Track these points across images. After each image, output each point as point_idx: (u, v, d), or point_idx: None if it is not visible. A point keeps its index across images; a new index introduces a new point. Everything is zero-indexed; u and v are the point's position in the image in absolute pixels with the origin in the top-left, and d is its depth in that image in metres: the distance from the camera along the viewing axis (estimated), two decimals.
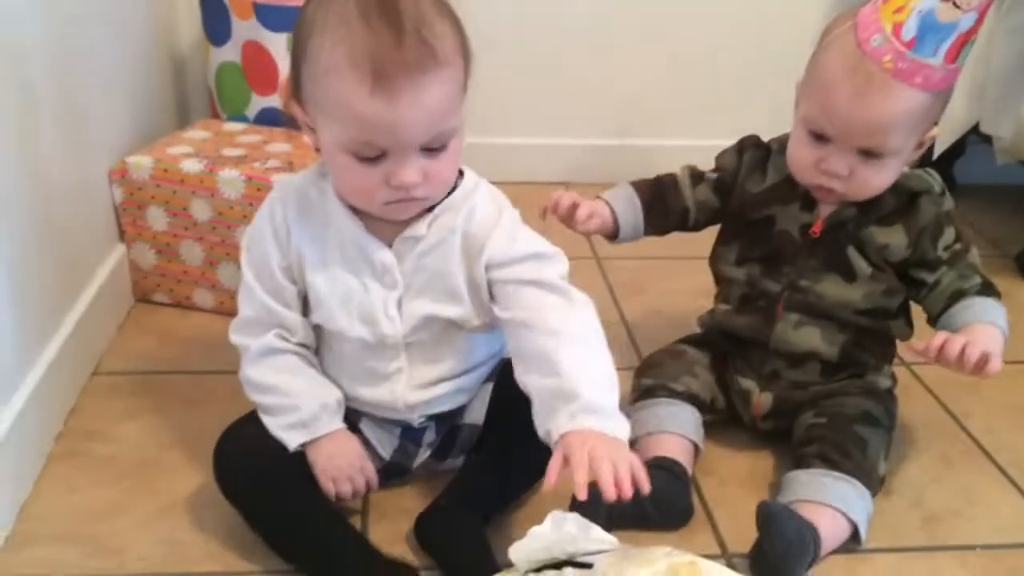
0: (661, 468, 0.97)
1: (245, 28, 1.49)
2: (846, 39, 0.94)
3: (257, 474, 0.89)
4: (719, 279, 1.13)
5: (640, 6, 1.81)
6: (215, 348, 1.25)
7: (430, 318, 0.90)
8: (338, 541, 0.89)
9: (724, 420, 1.11)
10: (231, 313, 0.96)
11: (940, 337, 0.92)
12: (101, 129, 1.27)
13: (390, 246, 0.88)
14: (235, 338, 0.94)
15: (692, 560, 0.75)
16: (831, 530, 0.93)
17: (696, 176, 1.13)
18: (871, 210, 1.02)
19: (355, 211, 0.88)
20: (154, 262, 1.33)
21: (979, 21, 0.91)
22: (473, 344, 0.94)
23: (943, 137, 1.68)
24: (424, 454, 0.99)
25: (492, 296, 0.89)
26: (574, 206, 1.07)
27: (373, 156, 0.80)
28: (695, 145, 1.87)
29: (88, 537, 0.92)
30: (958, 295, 1.00)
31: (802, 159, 1.00)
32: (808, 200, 1.03)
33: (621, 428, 0.78)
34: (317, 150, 0.86)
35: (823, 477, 0.96)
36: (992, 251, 1.69)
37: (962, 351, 0.90)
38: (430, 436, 0.98)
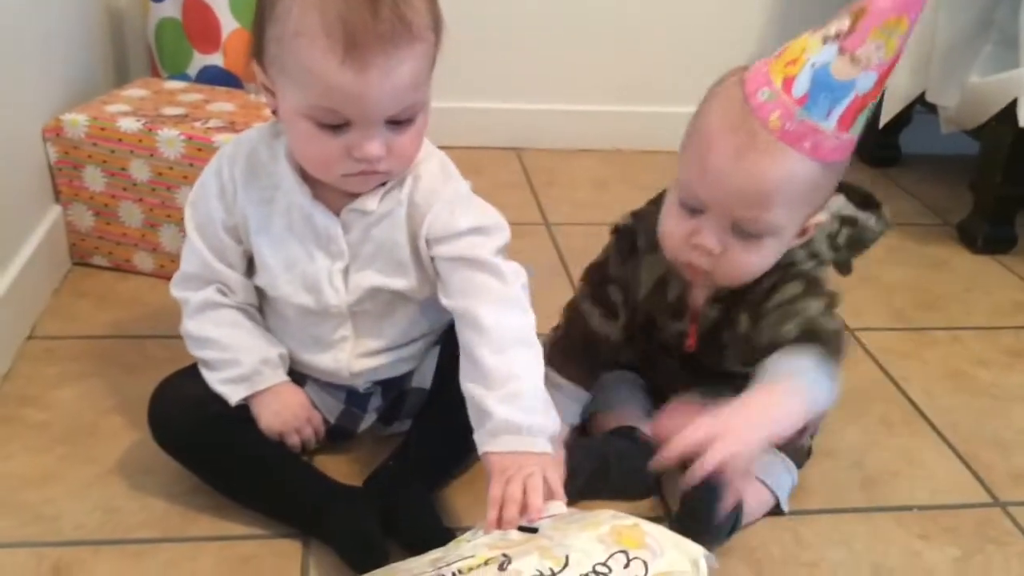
0: (624, 436, 0.97)
1: None
2: (732, 92, 0.82)
3: (197, 423, 0.88)
4: None
5: None
6: (155, 312, 1.22)
7: (376, 289, 0.89)
8: (291, 473, 0.89)
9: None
10: (172, 276, 0.94)
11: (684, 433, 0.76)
12: (34, 85, 1.23)
13: (338, 215, 0.86)
14: (175, 292, 0.92)
15: (635, 523, 0.75)
16: (754, 500, 0.94)
17: (611, 312, 0.98)
18: (734, 304, 0.91)
19: (304, 177, 0.85)
20: (92, 224, 1.29)
21: (878, 85, 0.79)
22: (420, 314, 0.93)
23: (890, 107, 1.71)
24: (370, 419, 0.98)
25: (436, 272, 0.88)
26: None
27: (336, 125, 0.78)
28: (647, 112, 1.89)
29: (22, 505, 0.90)
30: (775, 345, 0.86)
31: (672, 233, 0.87)
32: (678, 309, 0.94)
33: (539, 441, 0.79)
34: (274, 112, 0.83)
35: None
36: (935, 219, 1.72)
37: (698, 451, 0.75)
38: (376, 401, 0.97)
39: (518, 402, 0.80)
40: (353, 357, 0.92)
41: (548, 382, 0.91)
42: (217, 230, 0.89)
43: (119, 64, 1.66)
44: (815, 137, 0.79)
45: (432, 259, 0.87)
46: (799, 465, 0.99)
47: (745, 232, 0.84)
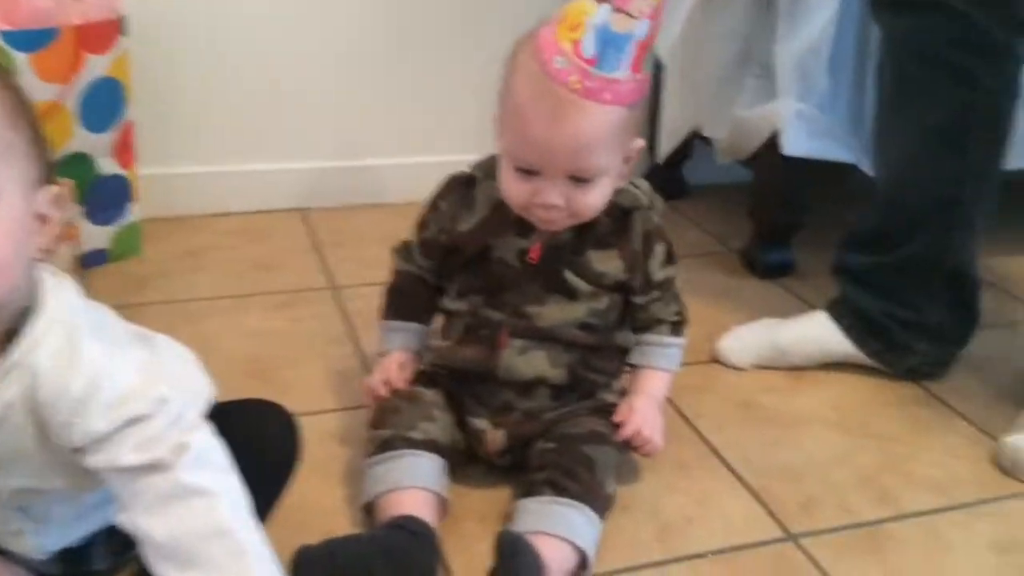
0: (399, 527, 0.90)
1: None
2: (530, 65, 0.91)
3: None
4: (442, 313, 1.10)
5: (359, 23, 1.75)
6: None
7: (29, 491, 0.73)
8: None
9: (464, 459, 1.06)
10: None
11: (631, 427, 1.02)
12: None
13: None
14: None
15: None
16: (558, 560, 0.89)
17: (407, 253, 1.11)
18: (587, 234, 1.01)
19: None
20: None
21: (653, 28, 0.90)
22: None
23: (667, 142, 1.74)
24: (102, 560, 0.84)
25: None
26: (386, 384, 1.05)
27: None
28: (438, 162, 1.85)
29: None
30: (655, 323, 1.07)
31: (516, 195, 0.96)
32: (523, 226, 1.00)
33: None
34: None
35: (551, 504, 0.93)
36: (719, 247, 1.76)
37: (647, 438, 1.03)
38: (100, 553, 0.83)
39: None
40: (44, 539, 0.77)
41: (385, 329, 1.12)
42: None
43: None
44: (613, 87, 0.89)
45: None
46: (601, 515, 0.95)
47: (580, 179, 0.93)
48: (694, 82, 1.66)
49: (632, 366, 1.09)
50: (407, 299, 1.12)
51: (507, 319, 1.02)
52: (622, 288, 1.04)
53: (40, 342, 0.66)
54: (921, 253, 1.25)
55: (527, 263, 1.01)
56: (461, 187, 1.06)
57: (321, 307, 1.45)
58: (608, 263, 1.02)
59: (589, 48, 0.87)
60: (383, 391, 1.05)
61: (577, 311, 1.02)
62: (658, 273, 1.04)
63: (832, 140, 1.51)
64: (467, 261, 1.04)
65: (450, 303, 1.06)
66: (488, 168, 1.03)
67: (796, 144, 1.47)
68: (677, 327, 1.09)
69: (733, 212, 1.85)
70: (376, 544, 0.88)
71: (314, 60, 1.74)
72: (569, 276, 1.01)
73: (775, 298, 1.57)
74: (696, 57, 1.64)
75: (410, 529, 0.90)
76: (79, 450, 0.67)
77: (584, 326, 1.03)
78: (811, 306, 1.50)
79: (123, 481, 0.67)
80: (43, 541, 0.77)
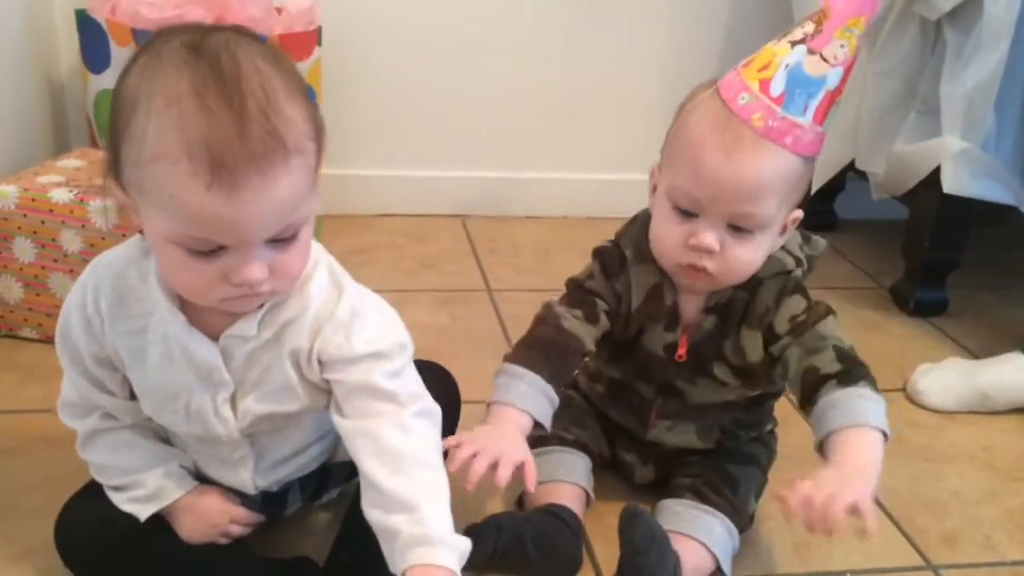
0: (551, 514, 0.96)
1: (124, 54, 1.44)
2: (711, 102, 0.89)
3: (107, 542, 0.84)
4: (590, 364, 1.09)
5: (527, 43, 1.84)
6: None
7: (268, 415, 0.82)
8: (228, 567, 0.87)
9: (609, 462, 1.11)
10: None
11: (800, 493, 0.80)
12: None
13: (217, 340, 0.78)
14: (63, 419, 0.88)
15: None
16: (693, 561, 0.93)
17: (592, 318, 0.99)
18: (729, 315, 0.97)
19: (180, 301, 0.78)
20: (21, 295, 1.27)
21: (844, 80, 0.88)
22: (322, 417, 0.86)
23: (822, 174, 1.75)
24: (294, 506, 0.95)
25: (330, 390, 0.82)
26: (491, 467, 0.86)
27: (209, 251, 0.69)
28: (594, 179, 1.92)
29: None
30: (814, 377, 0.90)
31: (669, 237, 0.92)
32: (672, 318, 0.98)
33: (448, 554, 0.74)
34: (140, 232, 0.76)
35: (693, 509, 0.97)
36: (870, 283, 1.76)
37: (823, 508, 0.79)
38: (295, 497, 0.94)
39: (424, 524, 0.74)
40: (257, 474, 0.87)
41: (507, 375, 0.94)
42: (89, 364, 0.82)
43: (59, 135, 1.65)
44: (795, 132, 0.86)
45: (325, 380, 0.81)
46: (742, 530, 0.99)
47: (739, 229, 0.89)
48: (853, 116, 1.67)
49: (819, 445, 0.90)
50: (564, 362, 0.97)
51: (657, 397, 1.02)
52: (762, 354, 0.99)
53: (309, 277, 0.78)
54: None
55: (674, 360, 0.99)
56: (623, 264, 1.00)
57: (478, 306, 1.53)
58: (747, 338, 0.97)
59: (778, 86, 0.86)
60: (475, 469, 0.84)
61: (728, 395, 1.01)
62: (783, 325, 0.94)
63: (995, 181, 1.50)
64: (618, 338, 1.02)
65: (600, 364, 1.07)
66: (637, 245, 0.99)
67: (958, 183, 1.47)
68: (844, 376, 0.89)
69: (883, 247, 1.84)
70: (531, 525, 0.94)
71: (485, 77, 1.84)
72: (717, 369, 0.99)
73: (924, 336, 1.56)
74: (857, 92, 1.65)
75: (559, 516, 0.96)
76: (330, 364, 0.78)
77: (733, 404, 1.03)
78: (962, 346, 1.49)
79: (360, 401, 0.79)
80: (255, 476, 0.88)
